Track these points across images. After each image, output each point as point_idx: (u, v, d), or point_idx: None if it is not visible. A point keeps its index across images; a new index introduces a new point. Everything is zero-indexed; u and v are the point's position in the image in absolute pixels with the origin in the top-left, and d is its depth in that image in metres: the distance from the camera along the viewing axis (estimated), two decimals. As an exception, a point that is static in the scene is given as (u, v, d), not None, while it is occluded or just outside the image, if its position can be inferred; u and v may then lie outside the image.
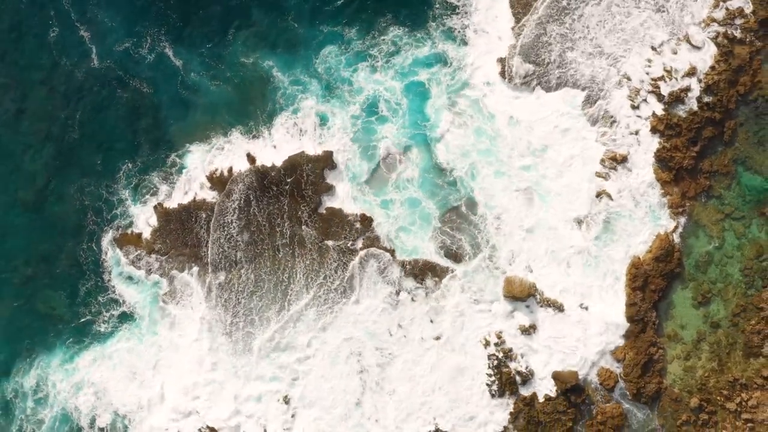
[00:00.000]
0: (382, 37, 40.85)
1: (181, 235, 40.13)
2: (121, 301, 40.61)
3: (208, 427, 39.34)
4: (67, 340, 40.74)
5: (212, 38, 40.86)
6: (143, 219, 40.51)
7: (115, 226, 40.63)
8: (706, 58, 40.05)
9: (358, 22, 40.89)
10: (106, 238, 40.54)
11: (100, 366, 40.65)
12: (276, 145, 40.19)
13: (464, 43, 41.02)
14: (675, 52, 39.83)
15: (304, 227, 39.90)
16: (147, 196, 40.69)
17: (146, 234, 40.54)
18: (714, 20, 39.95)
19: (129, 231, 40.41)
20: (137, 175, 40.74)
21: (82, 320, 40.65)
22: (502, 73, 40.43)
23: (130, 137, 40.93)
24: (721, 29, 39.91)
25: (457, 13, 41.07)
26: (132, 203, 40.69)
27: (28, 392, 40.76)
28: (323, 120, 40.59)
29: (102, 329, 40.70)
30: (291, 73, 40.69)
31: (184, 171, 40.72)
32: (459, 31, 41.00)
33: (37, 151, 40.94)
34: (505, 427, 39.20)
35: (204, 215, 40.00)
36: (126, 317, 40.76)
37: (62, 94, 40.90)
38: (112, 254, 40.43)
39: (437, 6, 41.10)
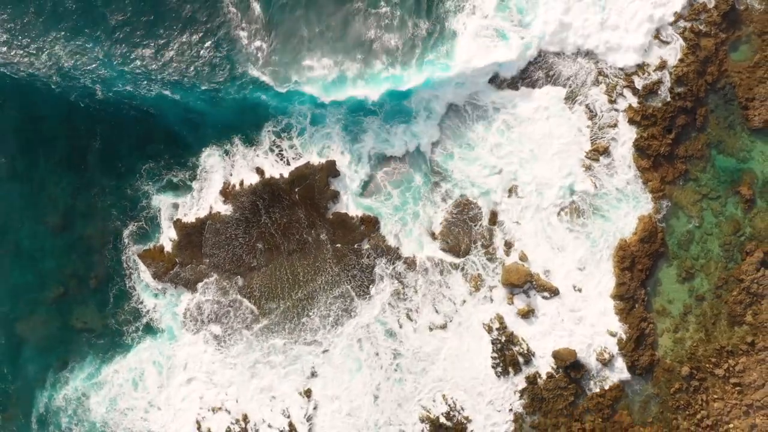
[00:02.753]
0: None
1: (200, 247, 43.02)
2: (144, 311, 43.00)
3: (235, 420, 42.30)
4: (96, 353, 43.09)
5: (205, 82, 42.37)
6: (167, 205, 42.65)
7: (139, 218, 42.65)
8: (675, 50, 43.08)
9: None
10: (128, 230, 42.64)
11: (124, 379, 43.00)
12: (272, 149, 42.75)
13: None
14: (646, 49, 42.87)
15: (314, 232, 42.89)
16: (169, 187, 42.78)
17: (168, 248, 43.07)
18: (680, 16, 42.93)
19: (152, 245, 42.87)
20: (160, 172, 42.60)
21: (111, 332, 42.93)
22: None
23: (146, 151, 42.76)
24: (687, 24, 42.74)
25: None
26: (155, 194, 42.55)
27: (60, 407, 42.99)
28: (314, 120, 42.50)
29: (128, 341, 43.12)
30: (282, 86, 42.25)
31: (201, 170, 42.70)
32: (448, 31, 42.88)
33: (60, 176, 42.84)
34: (511, 404, 42.29)
35: (219, 226, 42.91)
36: (150, 329, 43.19)
37: (76, 122, 42.56)
38: (133, 249, 42.77)
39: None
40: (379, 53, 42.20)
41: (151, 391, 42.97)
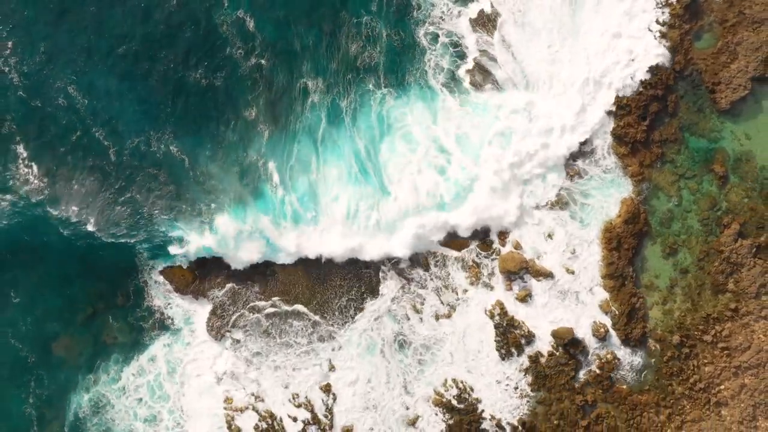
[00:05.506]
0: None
1: (217, 260, 46.08)
2: (155, 308, 45.53)
3: (261, 417, 45.35)
4: (119, 352, 45.40)
5: (208, 139, 44.83)
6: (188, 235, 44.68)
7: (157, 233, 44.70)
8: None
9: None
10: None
11: (142, 383, 45.32)
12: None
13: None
14: (617, 44, 45.91)
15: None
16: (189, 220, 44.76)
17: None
18: (646, 11, 45.98)
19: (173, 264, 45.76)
20: (178, 213, 44.74)
21: (132, 330, 45.43)
22: (473, 83, 46.18)
23: (162, 207, 44.47)
24: (653, 18, 45.93)
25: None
26: (171, 224, 44.54)
27: (86, 417, 45.05)
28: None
29: (146, 340, 45.63)
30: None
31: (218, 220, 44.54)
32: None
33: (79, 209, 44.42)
34: (517, 383, 45.36)
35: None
36: (166, 328, 45.73)
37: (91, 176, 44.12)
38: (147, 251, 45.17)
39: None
40: (364, 72, 45.44)
41: (172, 397, 45.28)
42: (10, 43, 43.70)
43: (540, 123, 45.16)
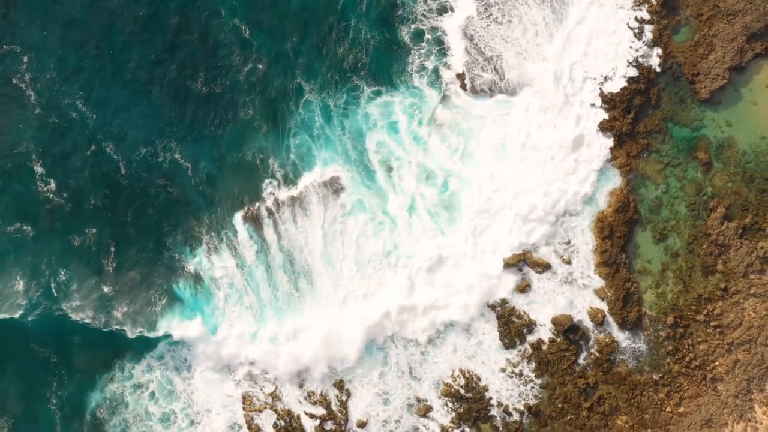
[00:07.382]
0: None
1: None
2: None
3: (279, 416, 47.12)
4: (133, 355, 45.97)
5: (208, 138, 46.32)
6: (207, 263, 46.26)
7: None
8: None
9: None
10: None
11: (152, 377, 46.10)
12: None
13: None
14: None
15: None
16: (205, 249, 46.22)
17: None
18: (625, 9, 48.19)
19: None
20: (192, 238, 46.06)
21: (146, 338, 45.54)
22: (462, 86, 48.06)
23: (172, 225, 45.89)
24: (632, 14, 48.08)
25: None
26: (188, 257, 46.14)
27: (104, 419, 45.69)
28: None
29: (155, 339, 45.98)
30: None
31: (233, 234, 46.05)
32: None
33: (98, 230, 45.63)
34: (521, 370, 47.32)
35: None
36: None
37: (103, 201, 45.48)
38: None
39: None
40: (351, 74, 47.18)
41: (183, 396, 46.10)
42: (25, 58, 44.76)
43: (533, 127, 47.26)
